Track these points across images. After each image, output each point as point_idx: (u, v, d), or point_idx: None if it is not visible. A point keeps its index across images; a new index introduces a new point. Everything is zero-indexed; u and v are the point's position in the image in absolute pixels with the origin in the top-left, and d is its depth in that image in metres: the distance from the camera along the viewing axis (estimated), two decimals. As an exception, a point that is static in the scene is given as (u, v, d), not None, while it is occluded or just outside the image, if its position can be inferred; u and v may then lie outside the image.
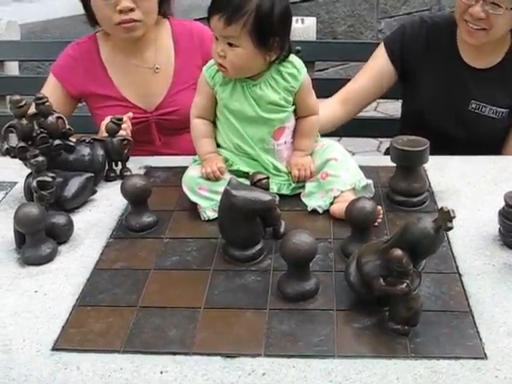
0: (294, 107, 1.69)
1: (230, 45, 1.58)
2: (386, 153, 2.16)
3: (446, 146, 1.94)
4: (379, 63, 2.25)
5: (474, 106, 2.15)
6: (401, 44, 2.21)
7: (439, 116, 2.17)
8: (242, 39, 1.57)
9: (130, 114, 1.99)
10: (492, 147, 2.04)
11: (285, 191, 1.70)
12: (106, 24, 2.06)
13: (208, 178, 1.63)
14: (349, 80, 2.33)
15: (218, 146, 1.72)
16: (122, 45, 2.13)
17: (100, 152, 1.82)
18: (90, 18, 2.12)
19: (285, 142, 1.70)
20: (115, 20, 2.00)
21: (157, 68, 2.16)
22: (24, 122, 1.67)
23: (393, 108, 2.56)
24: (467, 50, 2.13)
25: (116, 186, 1.70)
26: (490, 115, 2.15)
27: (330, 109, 2.19)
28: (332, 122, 2.19)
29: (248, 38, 1.56)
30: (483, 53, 2.11)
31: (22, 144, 1.68)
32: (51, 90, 2.12)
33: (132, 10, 1.99)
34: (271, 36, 1.58)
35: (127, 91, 2.17)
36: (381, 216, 1.55)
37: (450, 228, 1.17)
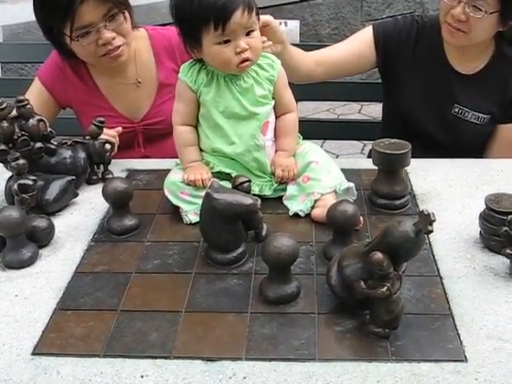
0: (273, 102, 1.70)
1: (248, 34, 1.59)
2: (370, 155, 2.16)
3: (428, 148, 1.95)
4: (362, 43, 2.24)
5: (456, 110, 2.16)
6: (390, 35, 2.20)
7: (422, 117, 2.18)
8: (256, 21, 1.62)
9: (119, 129, 1.99)
10: (474, 152, 2.06)
11: (267, 192, 1.70)
12: (91, 58, 2.05)
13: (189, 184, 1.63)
14: (333, 83, 2.33)
15: (200, 149, 1.71)
16: (102, 69, 2.13)
17: (82, 155, 1.81)
18: (65, 53, 2.08)
19: (271, 138, 1.71)
20: (100, 53, 2.00)
21: (139, 82, 2.17)
22: (4, 124, 1.66)
23: (377, 110, 2.57)
24: (453, 54, 2.15)
25: (98, 188, 1.69)
26: (472, 120, 2.16)
27: (306, 59, 2.17)
28: (306, 71, 2.16)
29: (257, 17, 1.62)
30: (468, 58, 2.13)
31: (2, 147, 1.66)
32: (37, 95, 2.11)
33: (113, 38, 1.98)
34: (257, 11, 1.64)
35: (115, 103, 2.18)
36: (361, 225, 1.55)
37: (430, 231, 1.17)
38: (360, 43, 2.24)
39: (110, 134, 1.92)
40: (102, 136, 1.86)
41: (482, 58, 2.14)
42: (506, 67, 2.13)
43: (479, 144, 2.19)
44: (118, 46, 2.00)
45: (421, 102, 2.19)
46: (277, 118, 1.73)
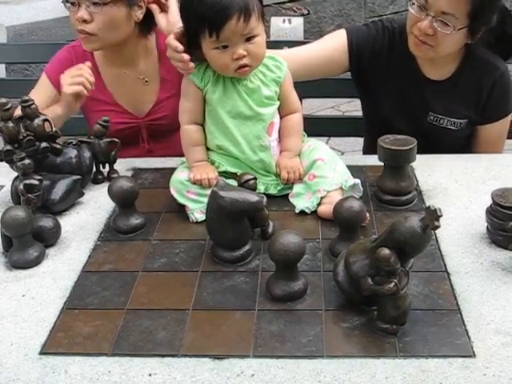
0: (279, 103, 1.70)
1: (249, 40, 1.57)
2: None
3: None
4: (335, 49, 2.10)
5: (432, 117, 2.10)
6: (364, 44, 2.09)
7: (400, 126, 2.05)
8: (259, 26, 1.59)
9: (89, 64, 1.99)
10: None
11: (272, 191, 1.70)
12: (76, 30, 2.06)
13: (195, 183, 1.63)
14: (338, 80, 2.32)
15: (206, 147, 1.71)
16: (110, 56, 2.13)
17: (87, 154, 1.81)
18: None
19: (276, 139, 1.71)
20: (76, 27, 2.01)
21: (146, 81, 2.18)
22: (10, 124, 1.66)
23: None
24: (423, 62, 2.06)
25: (104, 188, 1.70)
26: (448, 127, 2.09)
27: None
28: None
29: (261, 23, 1.59)
30: (437, 64, 2.05)
31: (8, 147, 1.67)
32: (44, 91, 2.11)
33: (86, 21, 1.97)
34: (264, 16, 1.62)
35: (119, 97, 2.19)
36: (367, 221, 1.55)
37: (437, 227, 1.17)
38: (333, 48, 2.11)
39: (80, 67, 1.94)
40: None
41: (452, 64, 2.05)
42: (477, 69, 2.05)
43: (458, 148, 2.09)
44: (86, 32, 1.99)
45: (397, 110, 2.12)
46: (281, 118, 1.73)
